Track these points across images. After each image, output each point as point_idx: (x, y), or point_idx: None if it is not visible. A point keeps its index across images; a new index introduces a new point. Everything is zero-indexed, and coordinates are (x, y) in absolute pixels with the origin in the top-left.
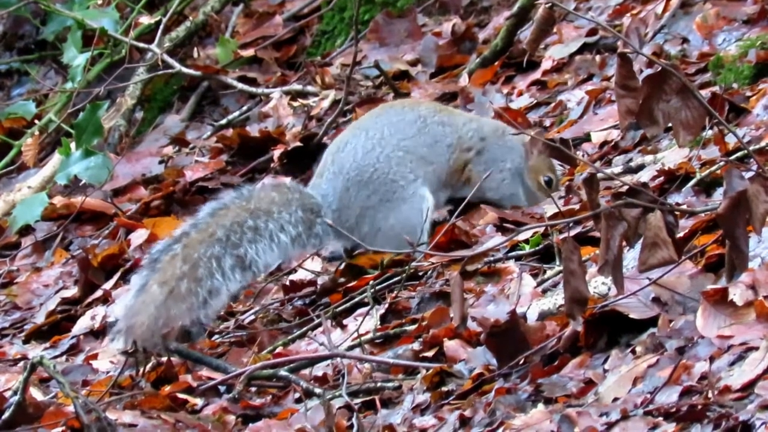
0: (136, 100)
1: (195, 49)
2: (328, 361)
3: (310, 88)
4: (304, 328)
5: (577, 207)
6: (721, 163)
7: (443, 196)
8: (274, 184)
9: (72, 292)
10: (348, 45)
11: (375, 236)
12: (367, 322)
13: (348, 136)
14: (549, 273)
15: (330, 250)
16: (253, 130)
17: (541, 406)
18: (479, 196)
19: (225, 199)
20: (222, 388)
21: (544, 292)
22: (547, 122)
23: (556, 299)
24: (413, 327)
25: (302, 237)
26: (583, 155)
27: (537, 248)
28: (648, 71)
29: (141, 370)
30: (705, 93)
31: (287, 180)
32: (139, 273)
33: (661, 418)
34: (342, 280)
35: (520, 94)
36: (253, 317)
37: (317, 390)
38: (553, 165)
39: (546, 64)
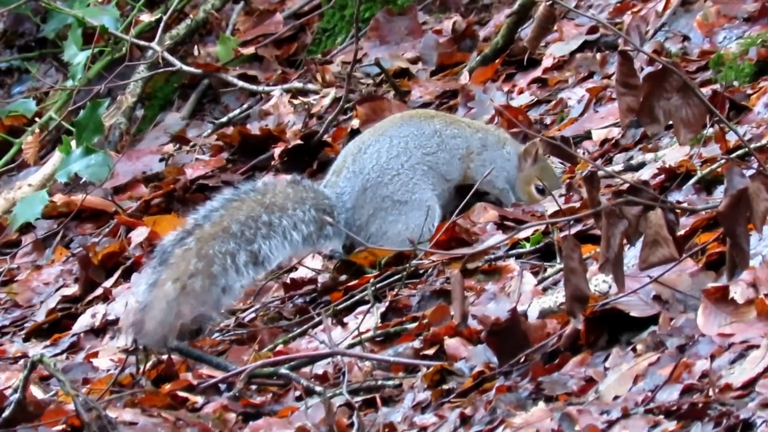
0: (136, 98)
1: (195, 46)
2: (329, 359)
3: (310, 86)
4: (305, 326)
5: (577, 205)
6: (722, 161)
7: (448, 208)
8: (289, 180)
9: (72, 290)
10: (348, 43)
11: (380, 238)
12: (367, 320)
13: (371, 140)
14: (550, 271)
15: (330, 248)
16: (254, 128)
17: (541, 404)
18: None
19: (240, 190)
20: (222, 386)
21: (545, 290)
22: (548, 120)
23: (557, 297)
24: (414, 325)
25: (313, 237)
26: (583, 153)
27: (538, 246)
28: (649, 69)
29: (141, 368)
30: (706, 91)
31: (303, 178)
32: (150, 265)
33: (661, 416)
34: (343, 278)
35: (521, 92)
36: (253, 315)
37: (318, 388)
38: (546, 175)
39: (547, 62)
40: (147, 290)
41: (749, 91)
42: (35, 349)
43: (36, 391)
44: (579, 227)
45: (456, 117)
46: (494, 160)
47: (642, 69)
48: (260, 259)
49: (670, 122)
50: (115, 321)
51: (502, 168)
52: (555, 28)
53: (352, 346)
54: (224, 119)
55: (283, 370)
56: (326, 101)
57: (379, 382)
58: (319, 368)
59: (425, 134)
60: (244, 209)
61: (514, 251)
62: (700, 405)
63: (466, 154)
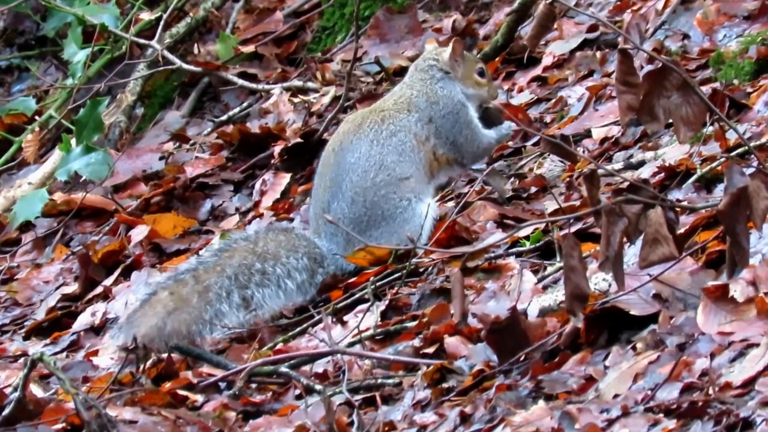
0: (136, 96)
1: (195, 45)
2: (329, 358)
3: (310, 84)
4: (305, 325)
5: (577, 203)
6: (722, 160)
7: (436, 184)
8: (281, 228)
9: (72, 288)
10: (348, 41)
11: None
12: (367, 319)
13: (325, 196)
14: (549, 269)
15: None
16: (254, 126)
17: (541, 402)
18: (470, 162)
19: (231, 240)
20: (222, 385)
21: (545, 288)
22: (548, 118)
23: (557, 296)
24: (414, 323)
25: (305, 285)
26: (583, 151)
27: (537, 244)
28: (649, 67)
29: (141, 366)
30: (706, 89)
31: (295, 226)
32: (144, 289)
33: (661, 415)
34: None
35: (521, 90)
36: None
37: (318, 386)
38: (475, 60)
39: (546, 61)
40: (142, 301)
41: (749, 90)
42: (35, 347)
43: (36, 390)
44: (579, 225)
45: (381, 105)
46: (451, 127)
47: (642, 67)
48: (252, 305)
49: (670, 120)
50: (115, 319)
51: (455, 120)
52: (555, 26)
53: (352, 344)
54: (224, 117)
55: (283, 369)
56: (326, 99)
57: (379, 381)
58: (319, 367)
59: (361, 154)
60: (237, 258)
61: (514, 249)
62: (700, 403)
63: (418, 143)
